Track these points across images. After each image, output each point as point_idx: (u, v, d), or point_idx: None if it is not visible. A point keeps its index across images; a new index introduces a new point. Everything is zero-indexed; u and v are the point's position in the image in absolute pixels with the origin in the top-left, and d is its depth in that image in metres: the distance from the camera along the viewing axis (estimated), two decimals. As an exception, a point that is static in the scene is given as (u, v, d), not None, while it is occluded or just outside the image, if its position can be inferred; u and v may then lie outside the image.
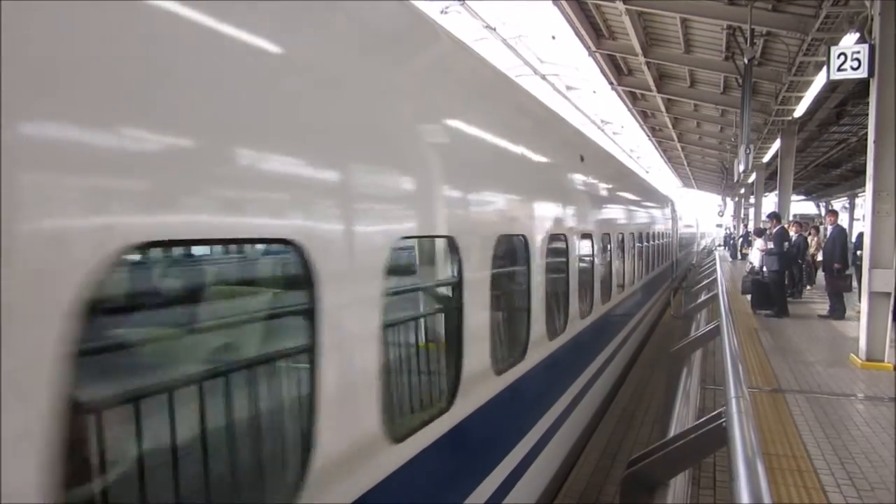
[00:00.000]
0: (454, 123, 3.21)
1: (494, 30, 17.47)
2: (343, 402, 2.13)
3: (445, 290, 3.26)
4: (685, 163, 43.04)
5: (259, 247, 2.25)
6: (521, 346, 4.09)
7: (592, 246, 6.40)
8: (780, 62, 16.06)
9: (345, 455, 2.12)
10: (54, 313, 1.22)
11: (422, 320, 3.34)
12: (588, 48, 18.11)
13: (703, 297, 11.60)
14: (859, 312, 9.31)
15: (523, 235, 4.08)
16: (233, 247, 2.28)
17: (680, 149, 36.08)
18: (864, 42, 8.91)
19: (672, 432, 4.65)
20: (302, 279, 1.96)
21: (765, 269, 14.16)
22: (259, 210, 1.80)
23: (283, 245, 1.93)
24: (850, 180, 35.54)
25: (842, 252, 13.31)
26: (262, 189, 1.80)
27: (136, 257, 1.65)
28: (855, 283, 12.84)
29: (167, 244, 1.56)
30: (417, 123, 2.77)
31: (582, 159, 6.22)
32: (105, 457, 1.62)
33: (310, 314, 1.98)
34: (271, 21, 1.94)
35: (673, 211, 19.49)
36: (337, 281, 2.08)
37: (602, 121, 34.69)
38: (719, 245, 47.61)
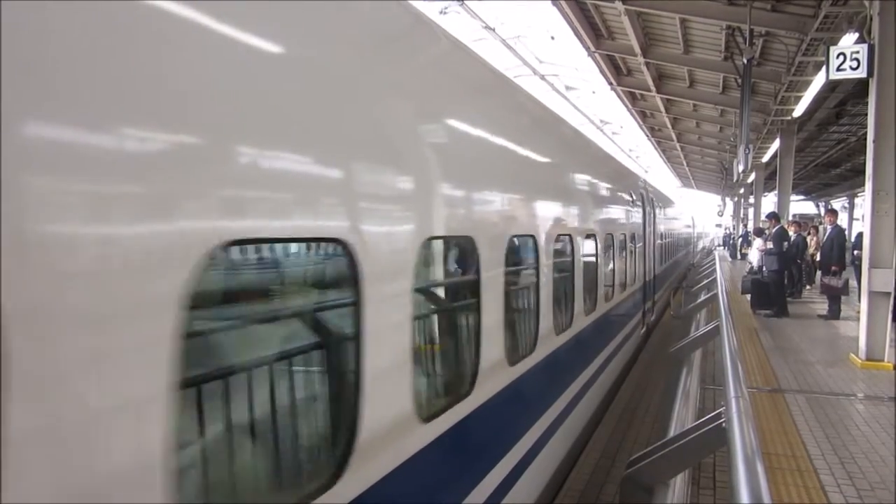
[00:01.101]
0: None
1: (493, 30, 17.49)
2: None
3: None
4: (684, 163, 43.04)
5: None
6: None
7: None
8: (780, 62, 16.06)
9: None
10: None
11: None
12: (587, 48, 18.11)
13: (702, 297, 11.61)
14: (859, 312, 9.31)
15: None
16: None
17: (679, 149, 36.09)
18: (864, 42, 8.91)
19: (672, 432, 4.65)
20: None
21: (764, 268, 14.16)
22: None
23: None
24: (850, 180, 35.56)
25: (839, 254, 13.28)
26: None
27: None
28: (854, 283, 12.83)
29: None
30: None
31: None
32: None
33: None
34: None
35: (647, 201, 11.43)
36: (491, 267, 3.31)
37: (601, 121, 34.74)
38: (719, 245, 47.64)
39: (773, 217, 15.52)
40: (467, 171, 3.34)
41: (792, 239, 14.82)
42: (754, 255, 17.02)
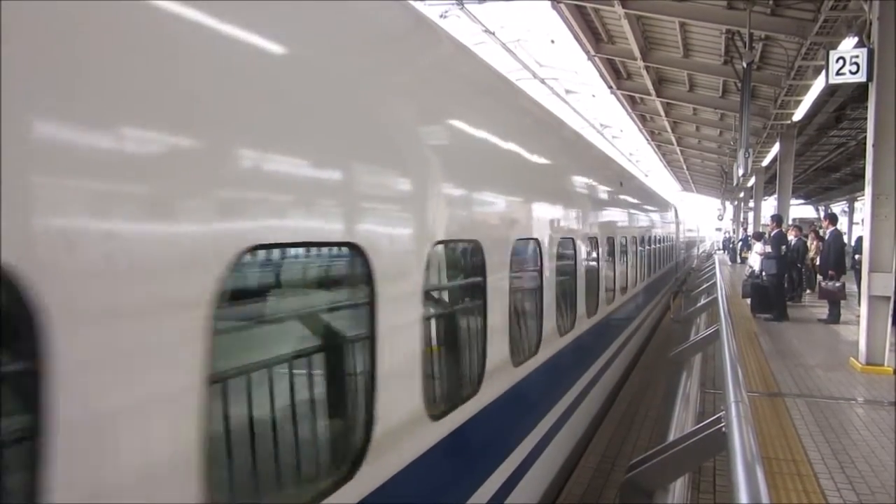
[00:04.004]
0: None
1: (493, 34, 17.52)
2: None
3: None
4: (684, 166, 43.07)
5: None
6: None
7: None
8: (779, 66, 16.08)
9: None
10: None
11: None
12: (587, 52, 18.14)
13: (702, 301, 11.60)
14: (859, 316, 9.30)
15: None
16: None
17: (679, 152, 36.11)
18: (863, 46, 8.93)
19: (672, 436, 4.65)
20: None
21: (763, 272, 14.15)
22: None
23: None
24: (850, 184, 35.61)
25: (836, 259, 13.26)
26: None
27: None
28: (854, 288, 12.83)
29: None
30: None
31: None
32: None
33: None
34: None
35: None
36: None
37: (601, 124, 34.79)
38: (718, 249, 47.62)
39: (775, 220, 15.47)
40: None
41: (792, 243, 14.81)
42: (755, 259, 17.01)
